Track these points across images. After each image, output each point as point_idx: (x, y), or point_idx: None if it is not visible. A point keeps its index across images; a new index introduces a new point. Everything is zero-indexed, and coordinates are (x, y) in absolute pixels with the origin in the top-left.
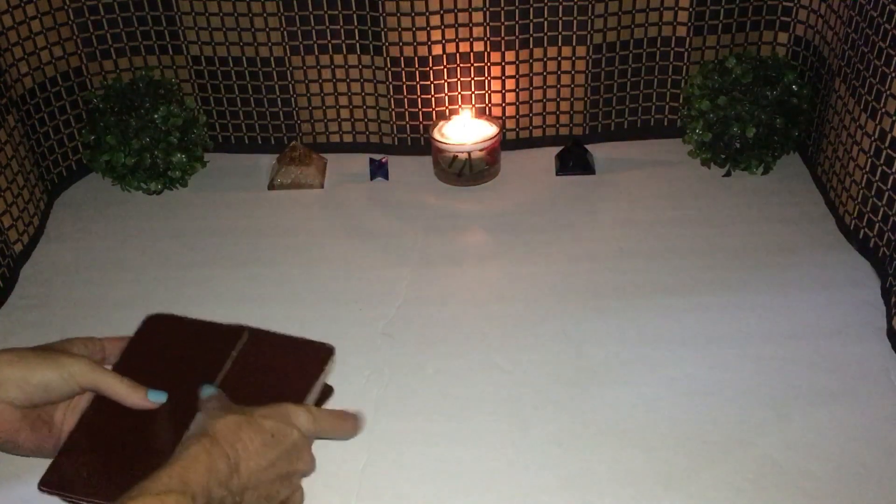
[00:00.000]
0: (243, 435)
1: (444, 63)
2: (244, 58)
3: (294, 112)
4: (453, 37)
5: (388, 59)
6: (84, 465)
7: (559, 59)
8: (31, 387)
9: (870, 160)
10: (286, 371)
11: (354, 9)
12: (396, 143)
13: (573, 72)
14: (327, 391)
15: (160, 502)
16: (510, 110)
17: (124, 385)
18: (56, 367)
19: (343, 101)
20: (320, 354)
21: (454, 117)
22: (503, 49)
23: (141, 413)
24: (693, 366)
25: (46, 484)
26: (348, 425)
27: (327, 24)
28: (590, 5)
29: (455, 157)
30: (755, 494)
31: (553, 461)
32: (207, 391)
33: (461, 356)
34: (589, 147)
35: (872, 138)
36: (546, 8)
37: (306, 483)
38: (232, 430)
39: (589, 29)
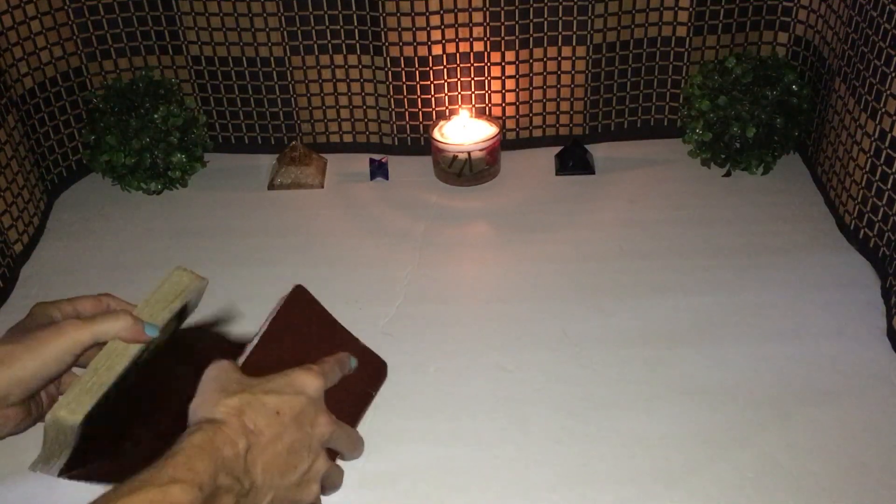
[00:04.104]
0: (247, 419)
1: (444, 63)
2: (244, 58)
3: (294, 112)
4: (453, 37)
5: (388, 59)
6: (105, 464)
7: (559, 59)
8: (28, 382)
9: (870, 160)
10: (353, 379)
11: (354, 9)
12: (396, 143)
13: (573, 72)
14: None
15: (164, 494)
16: (510, 110)
17: (119, 320)
18: (48, 350)
19: (343, 101)
20: (381, 369)
21: (454, 117)
22: (503, 49)
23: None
24: (693, 366)
25: (68, 474)
26: (343, 364)
27: (327, 24)
28: (590, 5)
29: (455, 157)
30: (755, 493)
31: (553, 459)
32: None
33: (461, 355)
34: (589, 147)
35: (872, 138)
36: (546, 8)
37: None
38: (234, 413)
39: (589, 29)
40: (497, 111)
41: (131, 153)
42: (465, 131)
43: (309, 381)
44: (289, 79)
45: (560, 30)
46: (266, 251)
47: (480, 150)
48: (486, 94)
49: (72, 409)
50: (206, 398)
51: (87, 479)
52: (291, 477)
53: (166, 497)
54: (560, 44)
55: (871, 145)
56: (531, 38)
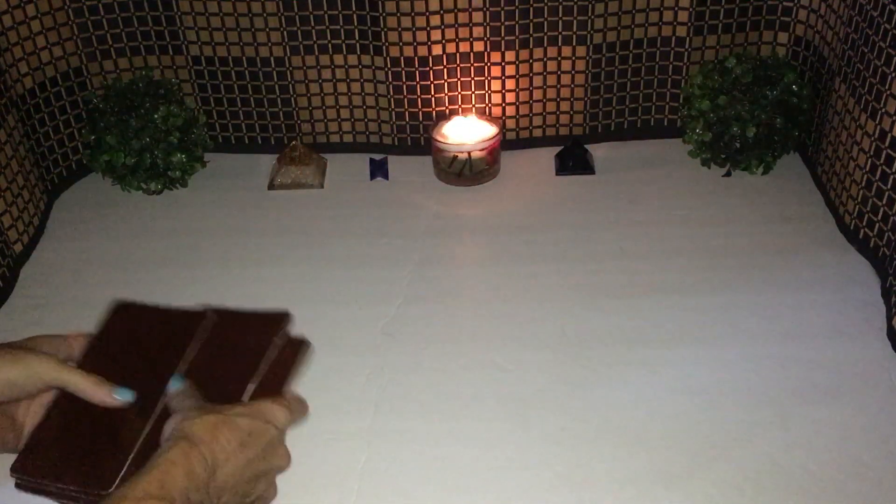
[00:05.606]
0: (220, 436)
1: (444, 63)
2: (244, 58)
3: (294, 112)
4: (453, 37)
5: (388, 59)
6: (52, 453)
7: (559, 59)
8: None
9: (870, 160)
10: (247, 345)
11: (354, 9)
12: (396, 143)
13: (573, 72)
14: (304, 346)
15: None
16: (510, 110)
17: (90, 382)
18: (21, 365)
19: (343, 101)
20: (277, 322)
21: (454, 117)
22: (503, 49)
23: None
24: (693, 366)
25: (16, 469)
26: (305, 407)
27: (327, 24)
28: (590, 5)
29: (455, 157)
30: (755, 493)
31: (553, 460)
32: (175, 385)
33: (461, 356)
34: (589, 147)
35: (872, 138)
36: (546, 8)
37: (303, 481)
38: (209, 430)
39: (589, 29)
40: (497, 111)
41: (131, 153)
42: (465, 131)
43: (279, 414)
44: (289, 79)
45: (560, 30)
46: (266, 251)
47: (480, 150)
48: (486, 94)
49: None
50: (184, 415)
51: (32, 477)
52: (245, 500)
53: None
54: (560, 44)
55: (871, 145)
56: (531, 38)
